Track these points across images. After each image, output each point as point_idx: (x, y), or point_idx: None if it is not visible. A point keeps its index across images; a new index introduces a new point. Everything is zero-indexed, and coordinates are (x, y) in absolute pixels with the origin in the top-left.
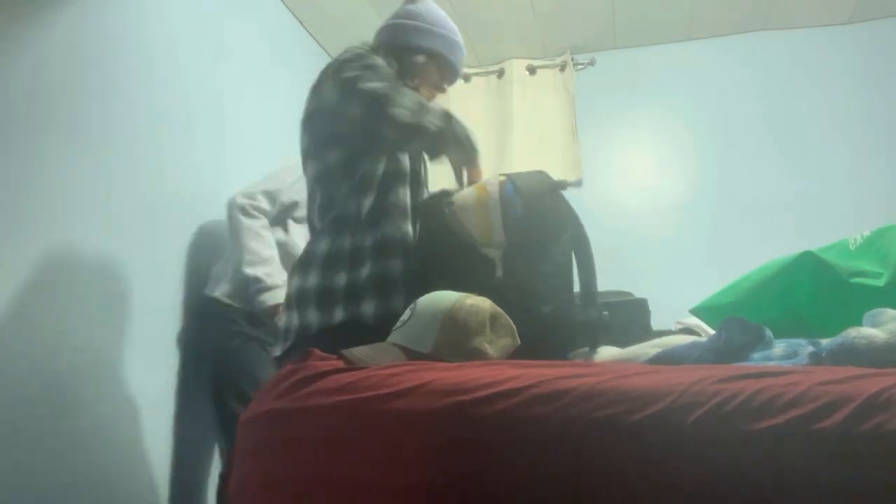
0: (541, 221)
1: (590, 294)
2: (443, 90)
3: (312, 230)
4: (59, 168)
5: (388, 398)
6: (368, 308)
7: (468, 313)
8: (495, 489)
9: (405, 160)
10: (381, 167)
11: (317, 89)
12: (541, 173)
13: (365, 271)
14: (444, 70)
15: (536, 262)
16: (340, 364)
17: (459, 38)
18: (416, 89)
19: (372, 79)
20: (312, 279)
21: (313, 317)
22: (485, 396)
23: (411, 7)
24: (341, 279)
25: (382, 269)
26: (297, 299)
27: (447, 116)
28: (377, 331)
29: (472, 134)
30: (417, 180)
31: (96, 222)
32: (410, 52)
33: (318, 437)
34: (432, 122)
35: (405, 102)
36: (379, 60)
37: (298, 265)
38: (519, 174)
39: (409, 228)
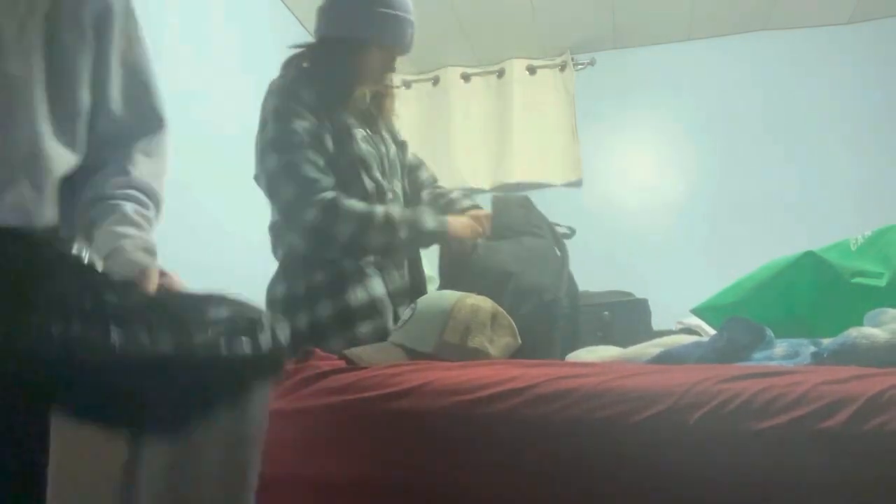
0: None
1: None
2: (392, 68)
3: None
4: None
5: (389, 398)
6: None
7: (469, 313)
8: (497, 488)
9: (366, 182)
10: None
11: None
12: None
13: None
14: (390, 51)
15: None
16: (342, 364)
17: (402, 9)
18: (354, 88)
19: (304, 204)
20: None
21: None
22: (487, 396)
23: None
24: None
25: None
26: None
27: (388, 227)
28: None
29: (417, 218)
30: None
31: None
32: (346, 45)
33: (320, 437)
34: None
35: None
36: (298, 117)
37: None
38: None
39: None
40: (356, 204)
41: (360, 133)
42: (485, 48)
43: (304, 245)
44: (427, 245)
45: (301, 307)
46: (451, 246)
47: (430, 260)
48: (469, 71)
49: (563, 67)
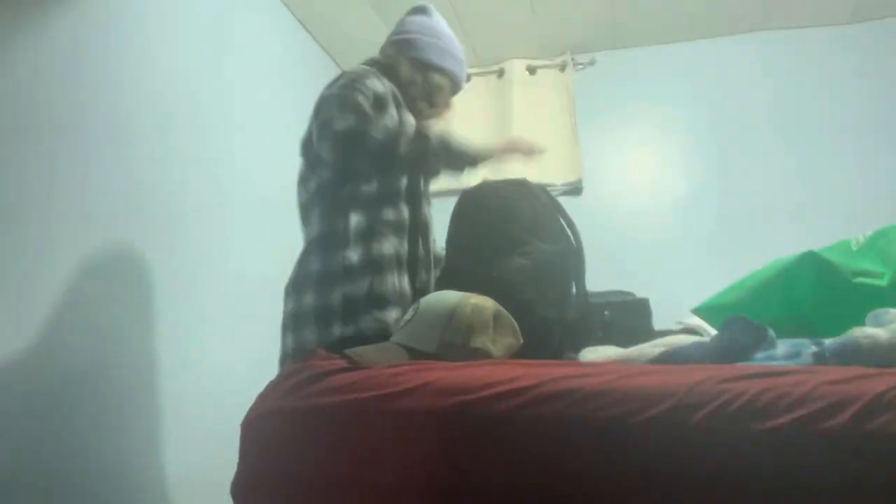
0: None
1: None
2: (448, 104)
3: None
4: (60, 169)
5: (391, 398)
6: (366, 323)
7: (471, 312)
8: (500, 488)
9: (400, 179)
10: (371, 188)
11: (314, 113)
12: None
13: (353, 288)
14: (454, 90)
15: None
16: (344, 364)
17: (463, 55)
18: (430, 107)
19: (346, 118)
20: (309, 299)
21: (311, 336)
22: (489, 396)
23: (425, 21)
24: (337, 296)
25: (369, 286)
26: (293, 320)
27: (422, 137)
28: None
29: (449, 139)
30: (416, 197)
31: (100, 222)
32: (432, 71)
33: (322, 437)
34: (405, 146)
35: (376, 134)
36: (366, 88)
37: (292, 286)
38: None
39: (405, 245)
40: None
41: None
42: (485, 48)
43: (368, 167)
44: (468, 163)
45: (337, 284)
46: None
47: None
48: (469, 71)
49: (563, 67)
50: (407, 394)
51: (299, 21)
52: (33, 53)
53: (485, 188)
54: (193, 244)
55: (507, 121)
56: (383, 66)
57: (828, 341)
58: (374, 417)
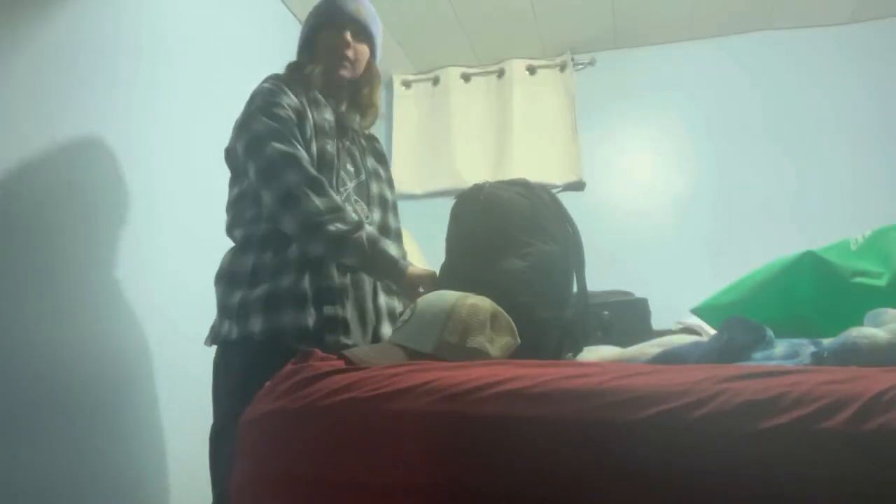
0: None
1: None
2: (346, 43)
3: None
4: (62, 168)
5: (389, 398)
6: (256, 324)
7: (469, 312)
8: (497, 489)
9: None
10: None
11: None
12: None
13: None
14: (333, 27)
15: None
16: (342, 364)
17: None
18: (311, 61)
19: (256, 121)
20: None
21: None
22: (487, 396)
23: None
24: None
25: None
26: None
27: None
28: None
29: (380, 244)
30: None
31: (105, 222)
32: (303, 41)
33: (319, 438)
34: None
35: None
36: (276, 99)
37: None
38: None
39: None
40: (336, 197)
41: (329, 142)
42: (485, 48)
43: (274, 205)
44: (381, 273)
45: (241, 284)
46: (403, 288)
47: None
48: (469, 71)
49: (563, 67)
50: (404, 394)
51: (298, 20)
52: (28, 51)
53: (484, 189)
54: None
55: (507, 121)
56: (290, 69)
57: (826, 341)
58: (372, 418)
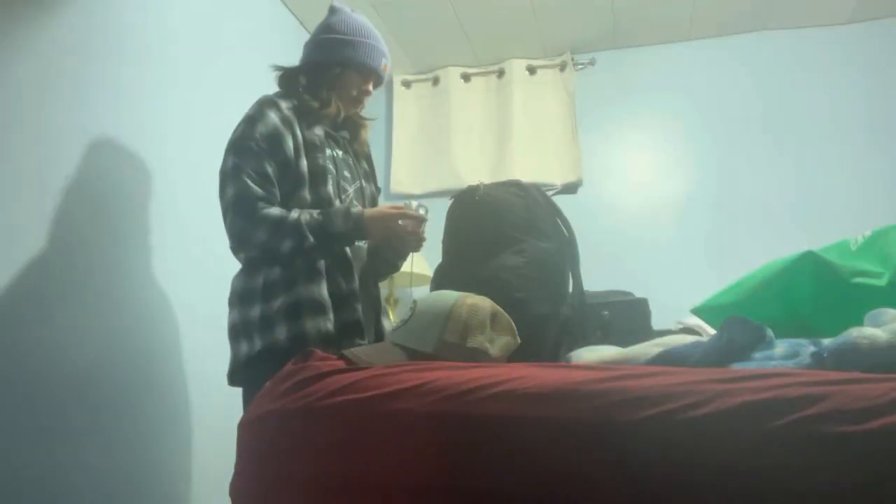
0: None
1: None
2: (367, 93)
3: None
4: (63, 167)
5: (389, 398)
6: (281, 332)
7: (469, 312)
8: (497, 489)
9: (321, 192)
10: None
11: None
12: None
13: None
14: (363, 74)
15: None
16: (342, 365)
17: (375, 41)
18: (330, 101)
19: (228, 156)
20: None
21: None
22: (487, 396)
23: (329, 20)
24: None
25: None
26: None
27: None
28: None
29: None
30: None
31: (108, 221)
32: (327, 67)
33: (320, 438)
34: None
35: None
36: (262, 123)
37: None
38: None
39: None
40: (272, 210)
41: (327, 151)
42: (485, 48)
43: (230, 243)
44: (345, 244)
45: (256, 300)
46: (373, 237)
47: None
48: (469, 71)
49: (563, 67)
50: (405, 394)
51: (298, 20)
52: (30, 52)
53: (479, 189)
54: (194, 244)
55: (507, 121)
56: (292, 85)
57: (826, 341)
58: (372, 418)
